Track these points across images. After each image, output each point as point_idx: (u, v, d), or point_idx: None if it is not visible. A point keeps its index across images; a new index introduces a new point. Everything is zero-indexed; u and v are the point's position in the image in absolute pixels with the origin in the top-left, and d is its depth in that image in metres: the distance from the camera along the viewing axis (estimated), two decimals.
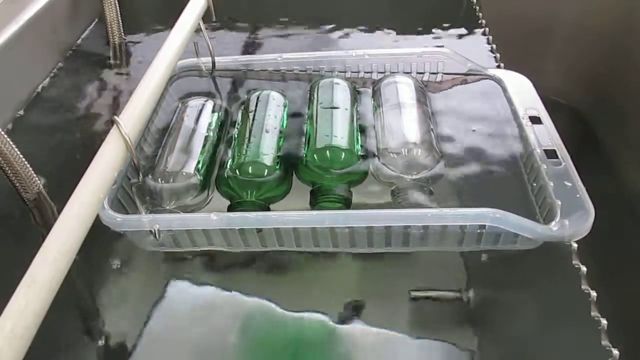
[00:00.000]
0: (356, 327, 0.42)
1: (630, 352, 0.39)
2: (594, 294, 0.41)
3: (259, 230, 0.45)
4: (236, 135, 0.54)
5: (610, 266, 0.64)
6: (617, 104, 0.89)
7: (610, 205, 0.48)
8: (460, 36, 0.74)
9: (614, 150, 0.88)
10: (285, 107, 0.58)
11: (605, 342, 0.39)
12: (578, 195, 0.45)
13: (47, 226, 0.49)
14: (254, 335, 0.43)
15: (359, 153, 0.52)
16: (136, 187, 0.47)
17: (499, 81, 0.60)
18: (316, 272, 0.47)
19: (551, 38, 0.98)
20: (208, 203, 0.50)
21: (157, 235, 0.44)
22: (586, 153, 0.53)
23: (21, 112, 0.65)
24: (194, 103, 0.59)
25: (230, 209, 0.48)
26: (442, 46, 0.63)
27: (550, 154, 0.49)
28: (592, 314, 0.40)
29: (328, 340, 0.42)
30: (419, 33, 0.75)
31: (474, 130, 0.57)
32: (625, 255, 0.70)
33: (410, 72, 0.62)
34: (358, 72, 0.63)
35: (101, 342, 0.43)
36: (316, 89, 0.59)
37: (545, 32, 0.97)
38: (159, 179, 0.49)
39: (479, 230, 0.43)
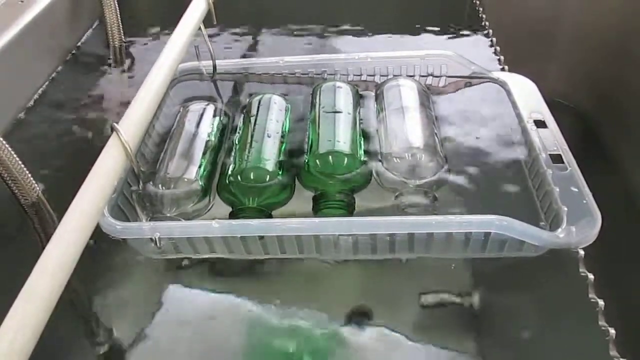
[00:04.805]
0: (360, 334, 0.42)
1: None
2: (601, 302, 0.41)
3: (261, 238, 0.45)
4: (237, 140, 0.54)
5: (618, 273, 0.64)
6: (620, 106, 0.89)
7: (615, 209, 0.47)
8: (464, 39, 0.73)
9: (618, 153, 0.87)
10: (287, 111, 0.58)
11: (613, 352, 0.38)
12: (585, 201, 0.44)
13: (46, 232, 0.49)
14: (256, 343, 0.42)
15: (362, 158, 0.51)
16: (136, 195, 0.46)
17: (503, 84, 0.59)
18: (319, 278, 0.47)
19: (554, 40, 0.97)
20: (209, 209, 0.49)
21: (158, 243, 0.44)
22: (590, 155, 0.53)
23: (20, 117, 0.64)
24: (195, 107, 0.58)
25: (232, 215, 0.48)
26: (445, 49, 0.62)
27: (556, 158, 0.48)
28: (600, 323, 0.40)
29: (331, 347, 0.42)
30: (422, 35, 0.74)
31: (478, 135, 0.56)
32: (633, 261, 0.69)
33: (414, 75, 0.62)
34: (360, 75, 0.63)
35: (101, 350, 0.42)
36: (318, 93, 0.58)
37: (548, 34, 0.97)
38: (160, 185, 0.48)
39: (484, 238, 0.43)
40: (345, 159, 0.50)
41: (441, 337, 0.42)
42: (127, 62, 0.76)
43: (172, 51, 0.49)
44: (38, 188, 0.49)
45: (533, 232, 0.42)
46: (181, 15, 0.55)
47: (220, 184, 0.50)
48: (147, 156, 0.54)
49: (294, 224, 0.44)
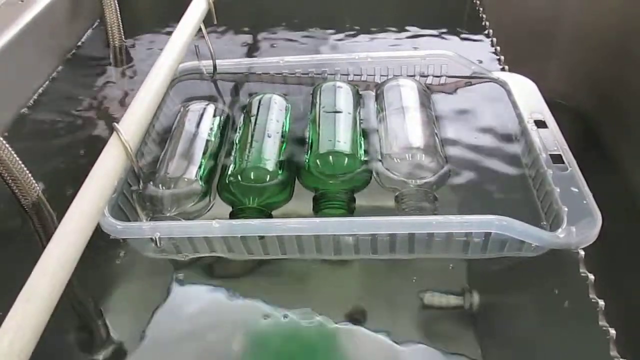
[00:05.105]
0: (358, 334, 0.42)
1: None
2: (602, 303, 0.40)
3: (262, 238, 0.45)
4: (238, 140, 0.54)
5: (619, 273, 0.64)
6: (620, 106, 0.89)
7: (615, 209, 0.47)
8: (464, 39, 0.73)
9: (618, 153, 0.87)
10: (287, 111, 0.58)
11: (613, 353, 0.38)
12: (585, 202, 0.44)
13: (46, 232, 0.49)
14: (256, 342, 0.42)
15: (362, 158, 0.51)
16: (137, 194, 0.46)
17: (503, 84, 0.59)
18: (319, 277, 0.47)
19: (554, 40, 0.97)
20: (210, 209, 0.49)
21: (158, 243, 0.44)
22: (590, 155, 0.53)
23: (20, 116, 0.64)
24: (196, 107, 0.58)
25: (232, 215, 0.48)
26: (445, 49, 0.62)
27: (556, 159, 0.48)
28: (600, 323, 0.40)
29: (330, 347, 0.42)
30: (422, 36, 0.74)
31: (478, 135, 0.56)
32: (634, 261, 0.69)
33: (414, 75, 0.62)
34: (361, 75, 0.63)
35: (101, 350, 0.42)
36: (319, 93, 0.58)
37: (548, 34, 0.96)
38: (160, 185, 0.48)
39: (484, 238, 0.43)
40: (346, 159, 0.50)
41: (441, 338, 0.42)
42: (127, 61, 0.76)
43: (172, 51, 0.49)
44: (38, 188, 0.49)
45: (533, 232, 0.42)
46: (181, 15, 0.55)
47: (221, 184, 0.50)
48: (147, 156, 0.54)
49: (294, 224, 0.44)
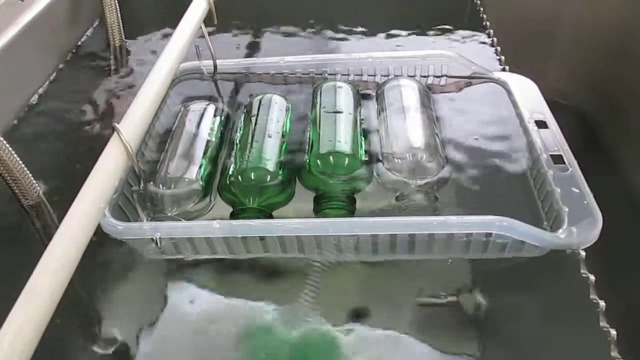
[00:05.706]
0: (359, 337, 0.42)
1: None
2: (602, 303, 0.40)
3: (262, 238, 0.45)
4: (238, 140, 0.54)
5: (619, 273, 0.64)
6: (620, 106, 0.89)
7: (616, 209, 0.47)
8: (465, 39, 0.73)
9: (618, 153, 0.88)
10: (288, 111, 0.58)
11: (614, 353, 0.38)
12: (586, 202, 0.44)
13: (47, 233, 0.49)
14: (255, 345, 0.42)
15: (363, 158, 0.51)
16: (137, 195, 0.46)
17: (503, 84, 0.59)
18: (319, 277, 0.47)
19: (555, 40, 0.97)
20: (210, 209, 0.49)
21: (158, 243, 0.44)
22: (590, 155, 0.53)
23: (21, 117, 0.64)
24: (196, 107, 0.58)
25: (233, 215, 0.48)
26: (446, 49, 0.62)
27: (557, 159, 0.48)
28: (601, 324, 0.40)
29: (331, 347, 0.41)
30: (422, 35, 0.74)
31: (478, 135, 0.56)
32: (634, 262, 0.69)
33: (414, 76, 0.62)
34: (361, 75, 0.63)
35: (102, 350, 0.42)
36: (319, 93, 0.58)
37: (548, 34, 0.97)
38: (161, 185, 0.48)
39: (485, 238, 0.43)
40: (346, 159, 0.50)
41: (441, 338, 0.42)
42: (128, 61, 0.76)
43: (172, 51, 0.49)
44: (39, 188, 0.49)
45: (534, 232, 0.42)
46: (182, 15, 0.55)
47: (221, 184, 0.50)
48: (147, 156, 0.54)
49: (294, 224, 0.44)
